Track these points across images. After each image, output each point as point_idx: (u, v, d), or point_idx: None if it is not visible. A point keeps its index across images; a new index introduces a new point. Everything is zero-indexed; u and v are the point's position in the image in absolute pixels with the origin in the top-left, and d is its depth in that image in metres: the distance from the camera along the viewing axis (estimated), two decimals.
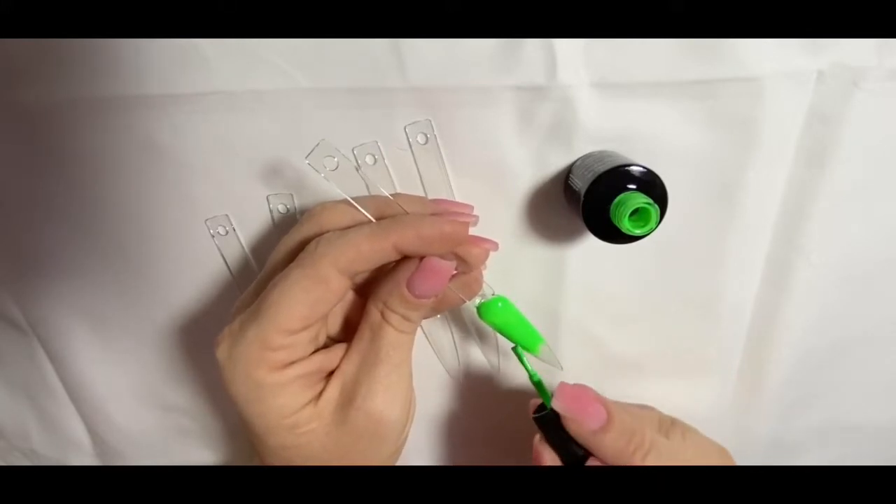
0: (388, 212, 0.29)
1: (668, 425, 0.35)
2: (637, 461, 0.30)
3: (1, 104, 0.31)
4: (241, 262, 0.36)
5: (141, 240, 0.35)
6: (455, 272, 0.29)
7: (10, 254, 0.37)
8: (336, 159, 0.29)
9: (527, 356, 0.32)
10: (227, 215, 0.34)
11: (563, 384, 0.31)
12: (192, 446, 0.44)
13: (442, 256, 0.28)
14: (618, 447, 0.30)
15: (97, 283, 0.37)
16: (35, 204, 0.35)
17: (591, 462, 0.31)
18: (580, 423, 0.30)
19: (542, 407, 0.32)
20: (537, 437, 0.33)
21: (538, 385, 0.32)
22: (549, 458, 0.32)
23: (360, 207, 0.29)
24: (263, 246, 0.35)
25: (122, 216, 0.34)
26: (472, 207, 0.32)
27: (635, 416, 0.33)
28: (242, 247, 0.35)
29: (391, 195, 0.29)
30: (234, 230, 0.35)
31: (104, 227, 0.35)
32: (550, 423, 0.31)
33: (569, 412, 0.30)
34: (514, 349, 0.32)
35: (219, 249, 0.35)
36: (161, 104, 0.30)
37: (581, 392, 0.31)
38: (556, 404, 0.30)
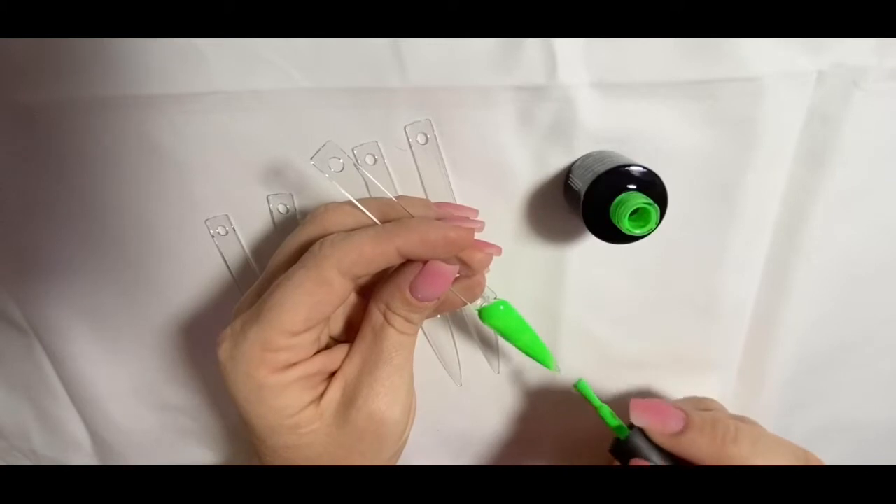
0: (391, 214, 0.29)
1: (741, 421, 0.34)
2: (728, 445, 0.29)
3: (1, 104, 0.31)
4: (241, 263, 0.36)
5: (141, 240, 0.35)
6: (457, 275, 0.29)
7: (10, 254, 0.37)
8: (341, 160, 0.29)
9: (592, 391, 0.33)
10: (227, 215, 0.34)
11: (634, 400, 0.31)
12: (192, 446, 0.44)
13: (445, 260, 0.28)
14: (705, 439, 0.30)
15: (97, 283, 0.37)
16: (35, 204, 0.35)
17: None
18: (663, 428, 0.30)
19: (616, 441, 0.32)
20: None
21: (605, 413, 0.33)
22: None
23: (364, 209, 0.29)
24: (263, 246, 0.35)
25: (123, 216, 0.34)
26: (476, 212, 0.32)
27: (709, 411, 0.33)
28: (242, 247, 0.35)
29: (395, 197, 0.29)
30: (234, 230, 0.35)
31: (104, 226, 0.35)
32: (628, 449, 0.31)
33: (651, 423, 0.31)
34: (576, 385, 0.33)
35: (219, 249, 0.35)
36: (161, 104, 0.30)
37: (652, 403, 0.32)
38: (636, 418, 0.31)
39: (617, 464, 0.32)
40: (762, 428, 0.33)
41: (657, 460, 0.31)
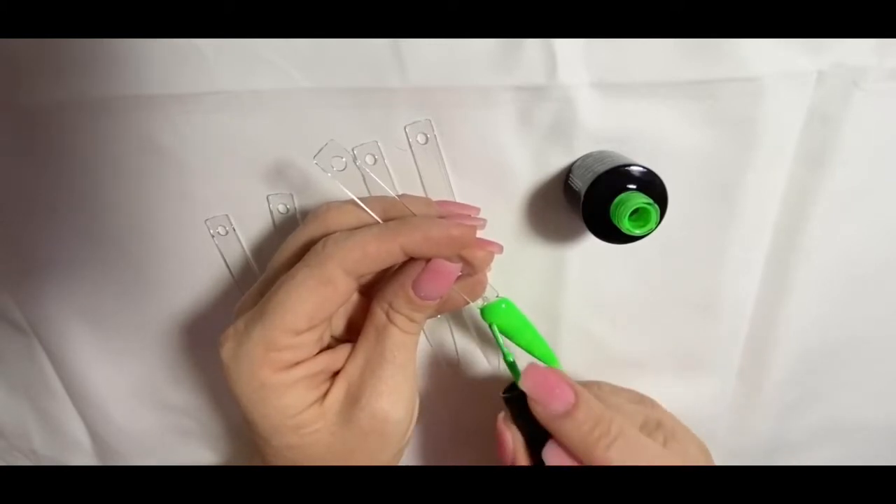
0: (394, 213, 0.29)
1: (653, 427, 0.33)
2: (600, 450, 0.28)
3: (1, 104, 0.31)
4: (241, 263, 0.36)
5: (141, 240, 0.35)
6: (459, 274, 0.29)
7: (10, 254, 0.37)
8: (344, 160, 0.29)
9: (502, 337, 0.32)
10: (227, 215, 0.34)
11: (532, 364, 0.30)
12: (193, 446, 0.44)
13: (448, 259, 0.28)
14: (580, 434, 0.28)
15: (97, 283, 0.37)
16: (35, 204, 0.35)
17: (551, 445, 0.29)
18: (545, 406, 0.29)
19: (513, 386, 0.31)
20: (501, 414, 0.31)
21: (511, 365, 0.32)
22: (511, 437, 0.31)
23: (366, 208, 0.29)
24: (263, 246, 0.35)
25: (122, 216, 0.34)
26: (478, 210, 0.32)
27: (610, 404, 0.31)
28: (242, 247, 0.35)
29: (398, 196, 0.30)
30: (234, 230, 0.35)
31: (104, 227, 0.35)
32: (518, 403, 0.30)
33: (534, 393, 0.29)
34: (490, 326, 0.32)
35: (219, 249, 0.35)
36: (161, 104, 0.30)
37: (550, 374, 0.29)
38: (523, 384, 0.29)
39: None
40: (674, 450, 0.32)
41: (532, 425, 0.30)
